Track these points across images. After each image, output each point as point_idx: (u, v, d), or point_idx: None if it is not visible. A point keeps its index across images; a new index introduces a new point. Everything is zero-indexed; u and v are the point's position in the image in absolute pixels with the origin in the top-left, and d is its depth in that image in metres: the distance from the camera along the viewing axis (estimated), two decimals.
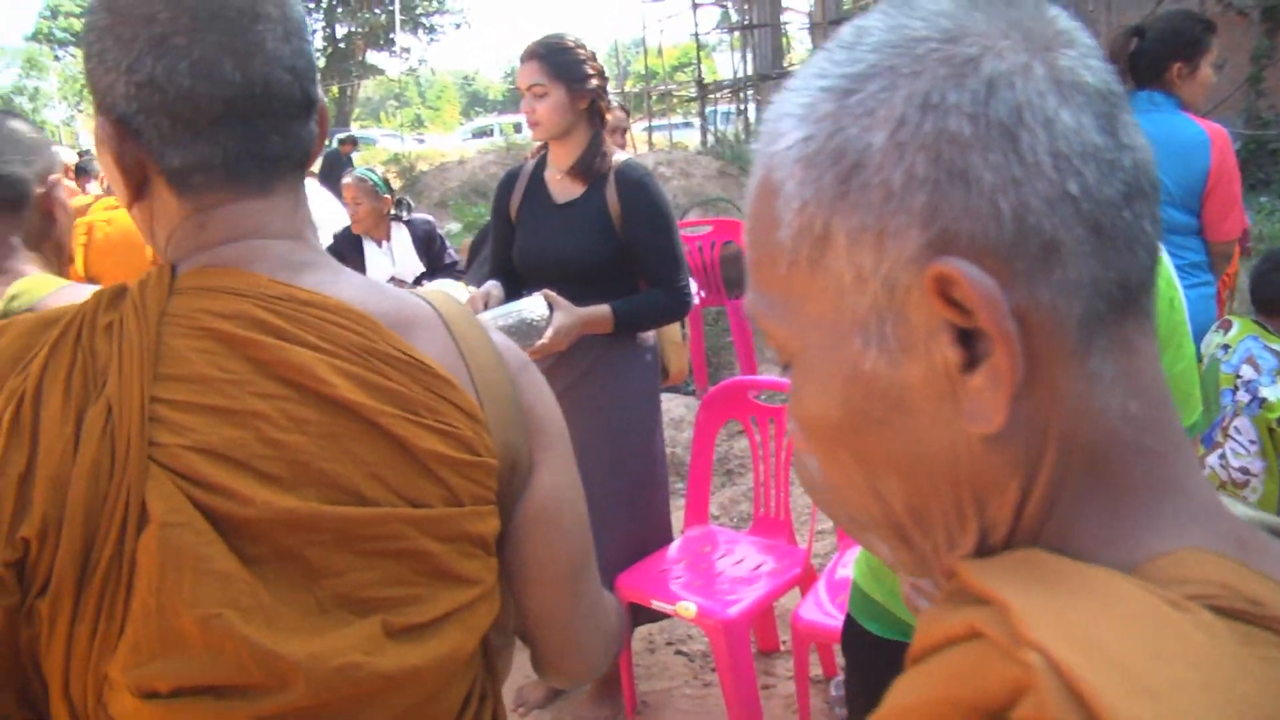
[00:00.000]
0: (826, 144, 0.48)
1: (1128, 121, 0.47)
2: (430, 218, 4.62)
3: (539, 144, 2.79)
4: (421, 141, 29.14)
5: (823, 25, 17.54)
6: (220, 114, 0.84)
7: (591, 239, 2.59)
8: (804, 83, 0.50)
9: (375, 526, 0.82)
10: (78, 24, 55.28)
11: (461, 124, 44.54)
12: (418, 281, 4.27)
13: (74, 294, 1.41)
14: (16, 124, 1.60)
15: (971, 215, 0.45)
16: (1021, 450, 0.47)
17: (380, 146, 24.81)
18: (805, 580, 2.71)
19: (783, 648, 3.11)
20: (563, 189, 2.67)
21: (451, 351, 0.91)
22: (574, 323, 2.40)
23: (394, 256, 4.32)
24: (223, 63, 0.83)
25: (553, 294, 2.41)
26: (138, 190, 0.88)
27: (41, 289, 1.47)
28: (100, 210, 4.53)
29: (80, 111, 48.59)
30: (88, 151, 18.49)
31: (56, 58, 53.68)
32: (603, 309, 2.50)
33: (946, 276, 0.44)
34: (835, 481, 0.53)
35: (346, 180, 4.26)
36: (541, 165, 2.75)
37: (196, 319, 0.82)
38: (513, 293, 2.64)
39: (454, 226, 12.11)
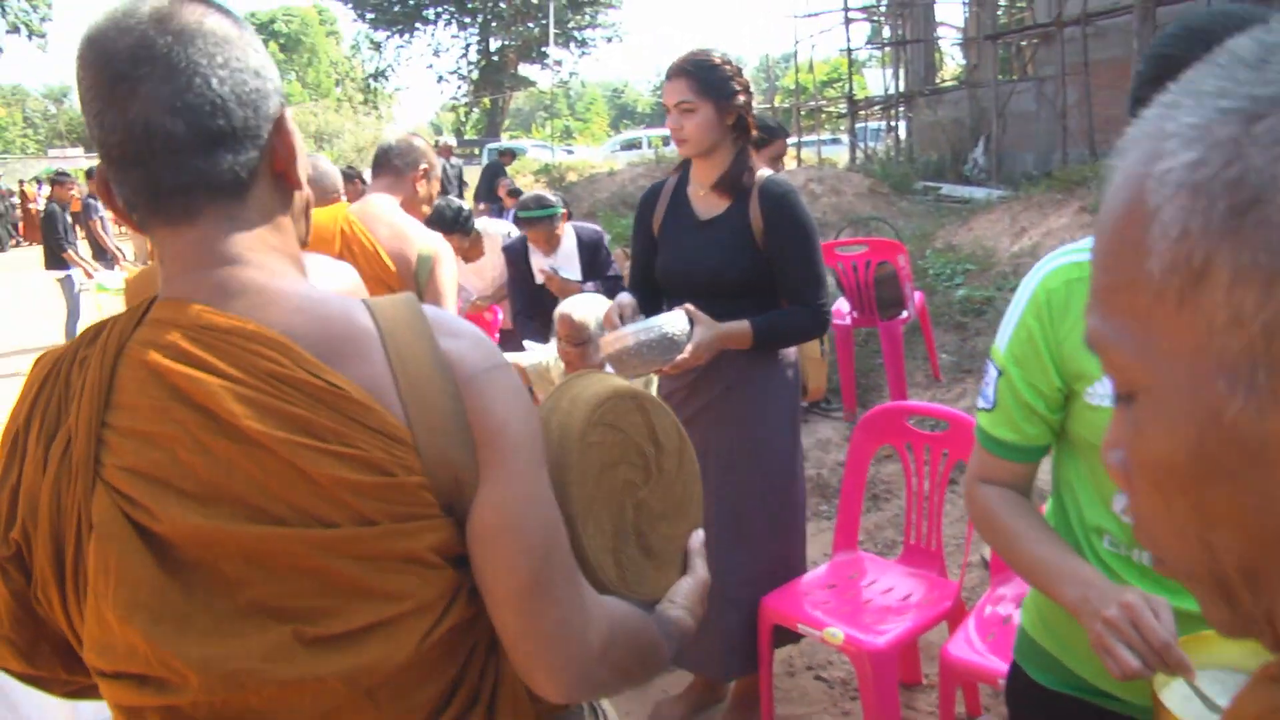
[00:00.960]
0: (1223, 171, 0.43)
1: None
2: (599, 229, 4.70)
3: (681, 159, 2.79)
4: (570, 153, 29.60)
5: (976, 40, 17.11)
6: (118, 157, 0.93)
7: (734, 255, 2.57)
8: (1195, 100, 0.45)
9: (278, 544, 0.88)
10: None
11: (610, 136, 45.09)
12: (580, 284, 4.37)
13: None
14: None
15: None
16: None
17: (530, 157, 25.30)
18: (954, 615, 2.63)
19: (925, 681, 3.02)
20: (706, 205, 2.65)
21: (381, 373, 0.94)
22: (713, 338, 2.39)
23: (559, 262, 4.45)
24: (106, 113, 0.92)
25: (693, 309, 2.40)
26: (136, 227, 0.99)
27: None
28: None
29: None
30: None
31: None
32: (742, 325, 2.48)
33: None
34: (1158, 526, 0.48)
35: (533, 227, 4.42)
36: (684, 181, 2.74)
37: (140, 351, 0.91)
38: (649, 307, 2.65)
39: (604, 236, 12.31)
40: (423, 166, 3.09)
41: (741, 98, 2.56)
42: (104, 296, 9.53)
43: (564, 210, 4.54)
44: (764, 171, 2.65)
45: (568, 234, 4.52)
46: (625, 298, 2.64)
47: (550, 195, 4.59)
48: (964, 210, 10.22)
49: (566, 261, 4.45)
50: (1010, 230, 7.52)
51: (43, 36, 29.82)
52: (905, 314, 5.08)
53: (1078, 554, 1.34)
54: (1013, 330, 1.39)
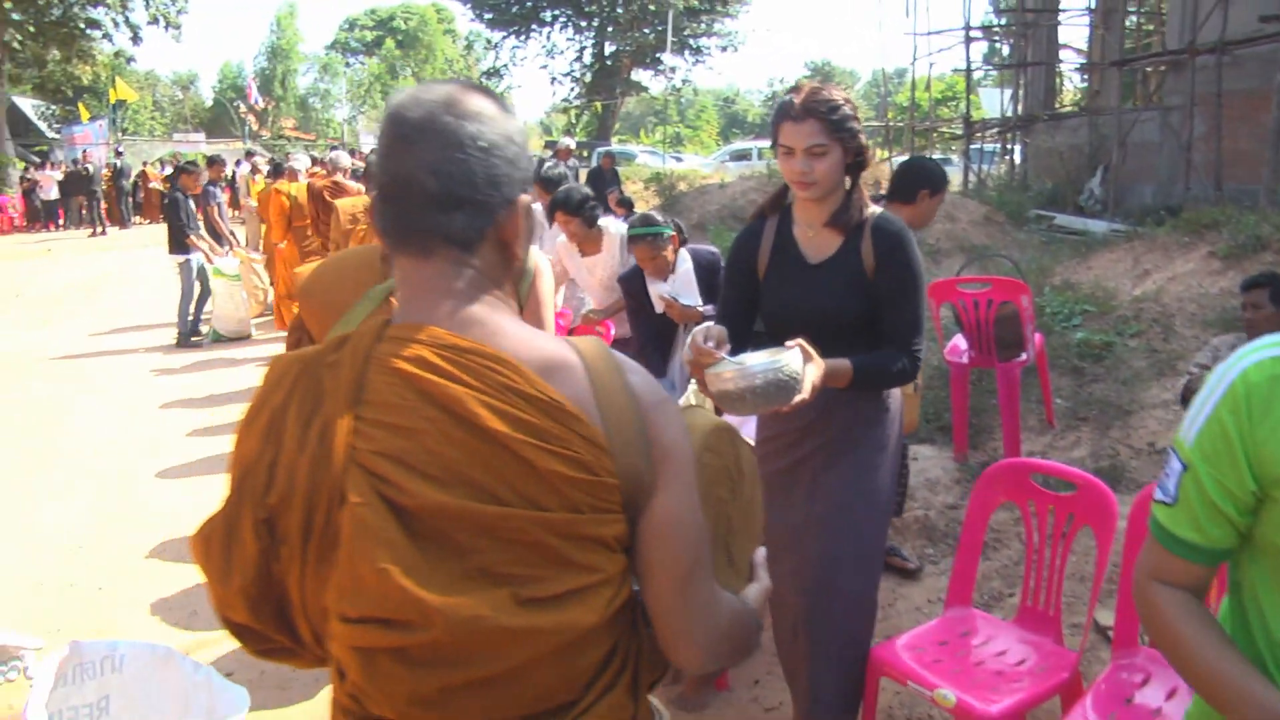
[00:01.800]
0: None
1: None
2: (714, 250, 4.65)
3: (775, 202, 2.73)
4: (679, 160, 29.68)
5: (1100, 65, 16.64)
6: (383, 194, 1.21)
7: (847, 298, 2.55)
8: None
9: (506, 521, 1.10)
10: (370, 35, 60.18)
11: (719, 145, 45.01)
12: (700, 309, 4.33)
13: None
14: None
15: None
16: None
17: (639, 163, 25.43)
18: (1070, 687, 2.57)
19: None
20: (815, 247, 2.62)
21: (585, 393, 1.16)
22: (823, 376, 2.36)
23: (676, 287, 4.41)
24: (385, 160, 1.20)
25: (806, 346, 2.34)
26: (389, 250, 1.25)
27: None
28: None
29: (361, 113, 52.35)
30: (362, 155, 19.72)
31: (347, 64, 58.34)
32: (844, 364, 2.45)
33: None
34: None
35: (635, 245, 4.41)
36: (786, 221, 2.69)
37: (389, 361, 1.14)
38: (736, 346, 2.50)
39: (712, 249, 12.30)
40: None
41: (862, 136, 2.55)
42: (219, 281, 9.90)
43: (674, 233, 4.48)
44: (874, 208, 2.63)
45: (683, 258, 4.47)
46: (715, 327, 2.47)
47: (660, 215, 4.53)
48: (1080, 244, 9.97)
49: (685, 287, 4.40)
50: (1133, 271, 7.30)
51: (178, 28, 31.05)
52: (1024, 356, 4.96)
53: (1260, 672, 1.26)
54: (1203, 422, 1.29)
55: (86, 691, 2.23)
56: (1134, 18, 19.14)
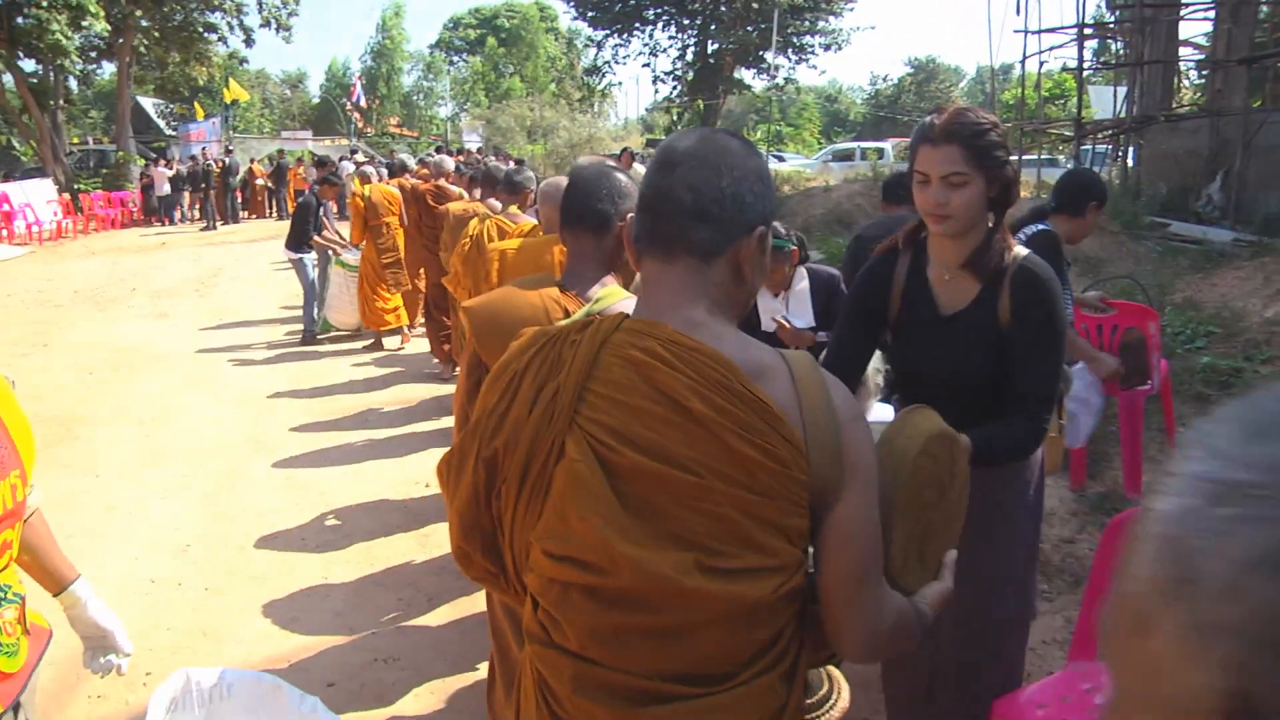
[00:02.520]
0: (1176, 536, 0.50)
1: None
2: (835, 271, 4.47)
3: (909, 236, 2.49)
4: (781, 159, 29.39)
5: (1226, 62, 15.91)
6: (643, 205, 1.42)
7: (979, 355, 2.31)
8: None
9: (702, 492, 1.26)
10: (473, 34, 61.10)
11: (820, 144, 44.51)
12: (814, 332, 4.19)
13: (629, 303, 2.19)
14: (617, 174, 2.42)
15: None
16: None
17: None
18: None
19: None
20: (951, 293, 2.38)
21: (790, 398, 1.32)
22: None
23: (788, 305, 4.28)
24: (653, 177, 1.41)
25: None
26: (635, 263, 1.46)
27: (616, 296, 2.25)
28: (494, 230, 5.00)
29: (464, 110, 53.14)
30: (467, 154, 19.86)
31: (451, 63, 59.30)
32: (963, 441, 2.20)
33: None
34: None
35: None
36: (919, 259, 2.45)
37: (623, 348, 1.33)
38: (848, 385, 2.44)
39: (815, 255, 12.11)
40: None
41: (1010, 168, 2.28)
42: (338, 271, 10.10)
43: (795, 248, 4.33)
44: (1020, 250, 2.35)
45: (800, 276, 4.31)
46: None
47: (783, 228, 4.36)
48: (1201, 256, 9.53)
49: (799, 307, 4.25)
50: (1263, 291, 6.91)
51: (289, 30, 31.90)
52: (1149, 385, 4.73)
53: None
54: None
55: (196, 717, 2.25)
56: (1266, 8, 18.25)
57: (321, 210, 10.32)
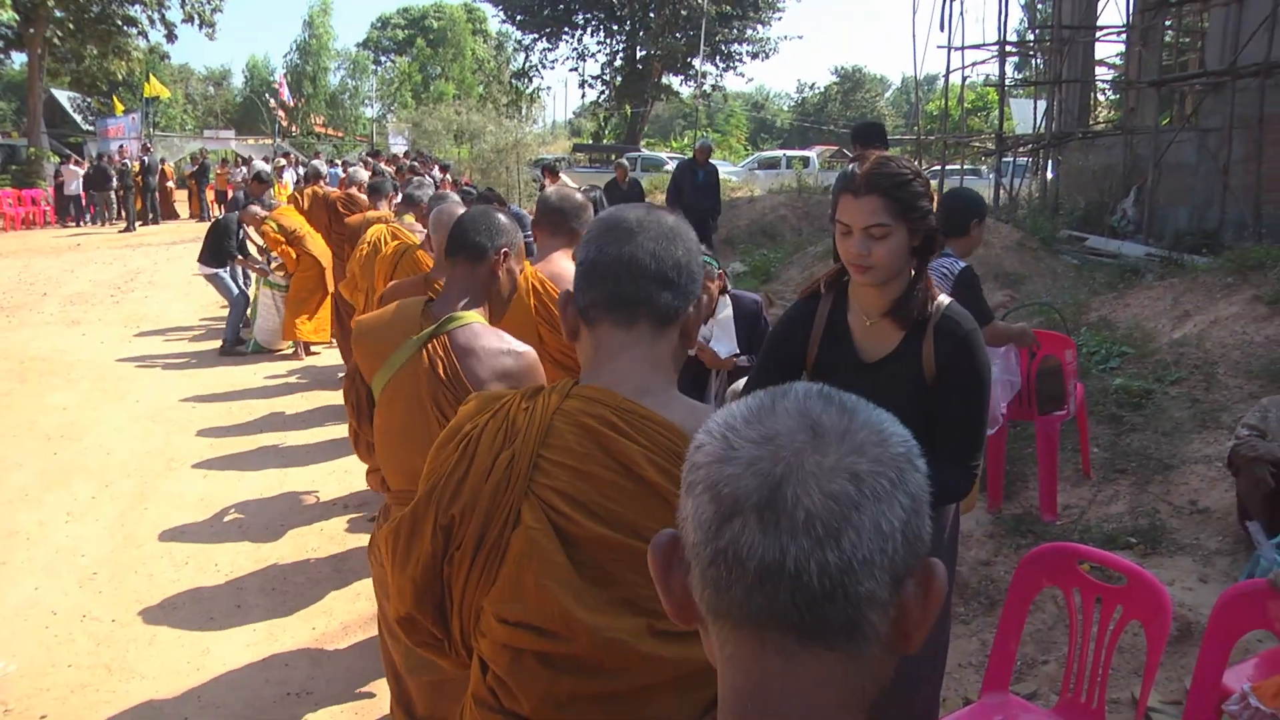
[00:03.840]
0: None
1: None
2: (758, 298, 4.49)
3: (829, 282, 2.47)
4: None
5: (1138, 84, 16.38)
6: (599, 271, 1.44)
7: (907, 410, 2.30)
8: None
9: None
10: (401, 34, 60.33)
11: (748, 151, 44.80)
12: (736, 357, 4.20)
13: (483, 332, 2.44)
14: (498, 215, 2.61)
15: None
16: None
17: (667, 170, 25.28)
18: None
19: None
20: (872, 340, 2.36)
21: None
22: None
23: (714, 333, 4.29)
24: (606, 245, 1.45)
25: None
26: (573, 333, 1.49)
27: (468, 318, 2.46)
28: (383, 230, 5.18)
29: (391, 111, 52.45)
30: (395, 160, 19.68)
31: (378, 62, 58.56)
32: None
33: None
34: None
35: None
36: (841, 307, 2.42)
37: (576, 416, 1.37)
38: None
39: (738, 266, 12.16)
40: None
41: (932, 218, 2.27)
42: (266, 291, 9.85)
43: (720, 270, 4.33)
44: (942, 299, 2.36)
45: (724, 304, 4.32)
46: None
47: (708, 250, 4.36)
48: (1116, 274, 9.78)
49: (723, 332, 4.26)
50: (1172, 312, 7.11)
51: (212, 25, 31.14)
52: (1065, 411, 4.83)
53: None
54: None
55: None
56: (1171, 33, 18.84)
57: (242, 232, 10.09)
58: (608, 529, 1.31)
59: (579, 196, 3.48)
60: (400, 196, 6.91)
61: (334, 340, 9.11)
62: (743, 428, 0.75)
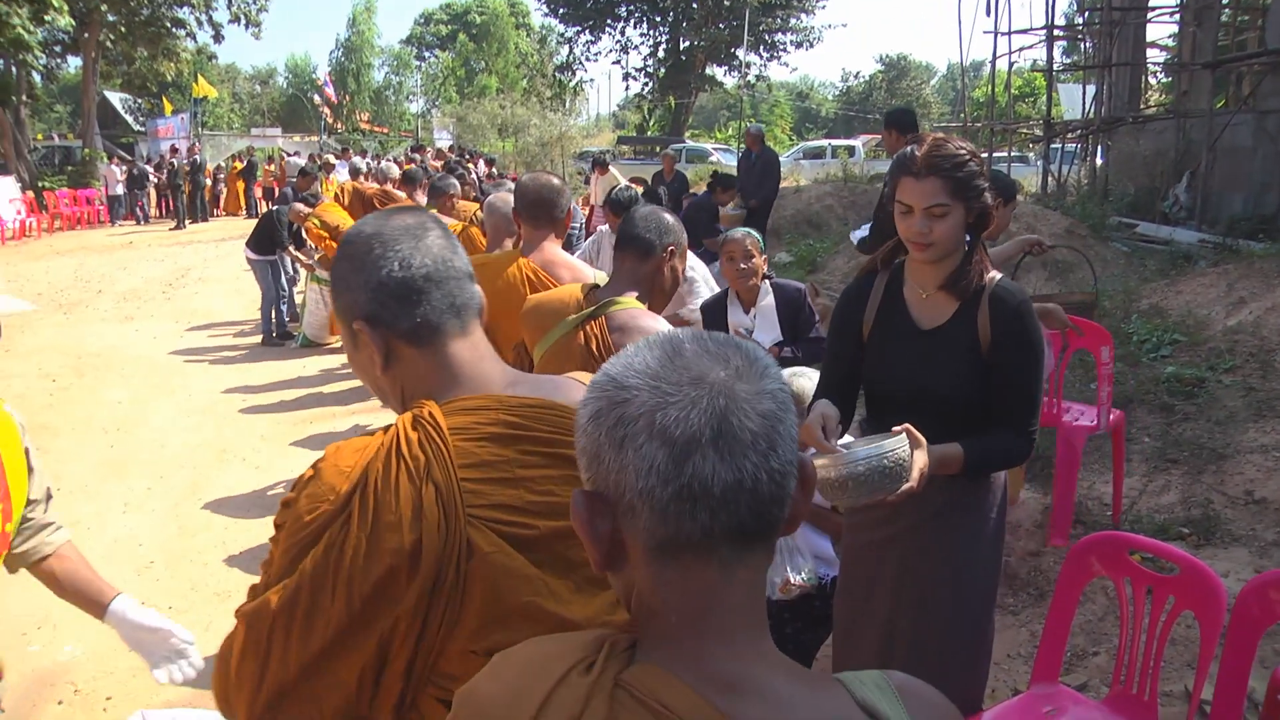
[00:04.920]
0: None
1: None
2: (801, 286, 4.48)
3: (888, 257, 2.56)
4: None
5: (1191, 65, 16.05)
6: (425, 278, 1.39)
7: (962, 375, 2.37)
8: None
9: None
10: (444, 29, 60.71)
11: (793, 141, 44.57)
12: (779, 347, 4.20)
13: (641, 315, 2.62)
14: (665, 215, 2.78)
15: None
16: None
17: (713, 161, 25.23)
18: None
19: None
20: (927, 312, 2.45)
21: None
22: (931, 464, 2.21)
23: (756, 321, 4.30)
24: (413, 252, 1.40)
25: (915, 431, 2.20)
26: (385, 361, 1.40)
27: (628, 304, 2.65)
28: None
29: (435, 107, 52.86)
30: (442, 155, 19.84)
31: (421, 58, 58.98)
32: (954, 450, 2.29)
33: None
34: None
35: (735, 235, 4.30)
36: (897, 280, 2.52)
37: (474, 429, 1.31)
38: (844, 416, 2.46)
39: (784, 257, 12.11)
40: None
41: (987, 195, 2.35)
42: (315, 286, 9.97)
43: (765, 254, 4.35)
44: (994, 274, 2.43)
45: (765, 291, 4.33)
46: (829, 409, 2.35)
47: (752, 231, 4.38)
48: (1168, 260, 9.61)
49: (765, 321, 4.25)
50: (1226, 299, 6.97)
51: (258, 25, 31.60)
52: (1094, 423, 4.50)
53: None
54: None
55: None
56: (1229, 12, 18.42)
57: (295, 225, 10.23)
58: (558, 519, 1.27)
59: (556, 181, 3.58)
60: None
61: None
62: (669, 375, 0.85)
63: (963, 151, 2.32)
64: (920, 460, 2.19)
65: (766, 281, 4.35)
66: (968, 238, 2.41)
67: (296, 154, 27.50)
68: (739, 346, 0.91)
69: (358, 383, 8.59)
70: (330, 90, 44.29)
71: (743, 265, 4.23)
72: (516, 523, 1.26)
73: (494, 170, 18.15)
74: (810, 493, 0.93)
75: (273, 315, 10.19)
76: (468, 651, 1.26)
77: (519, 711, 0.87)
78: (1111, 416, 4.58)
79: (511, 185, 5.08)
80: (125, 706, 3.69)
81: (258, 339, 10.38)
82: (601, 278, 3.10)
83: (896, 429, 2.20)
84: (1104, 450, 5.04)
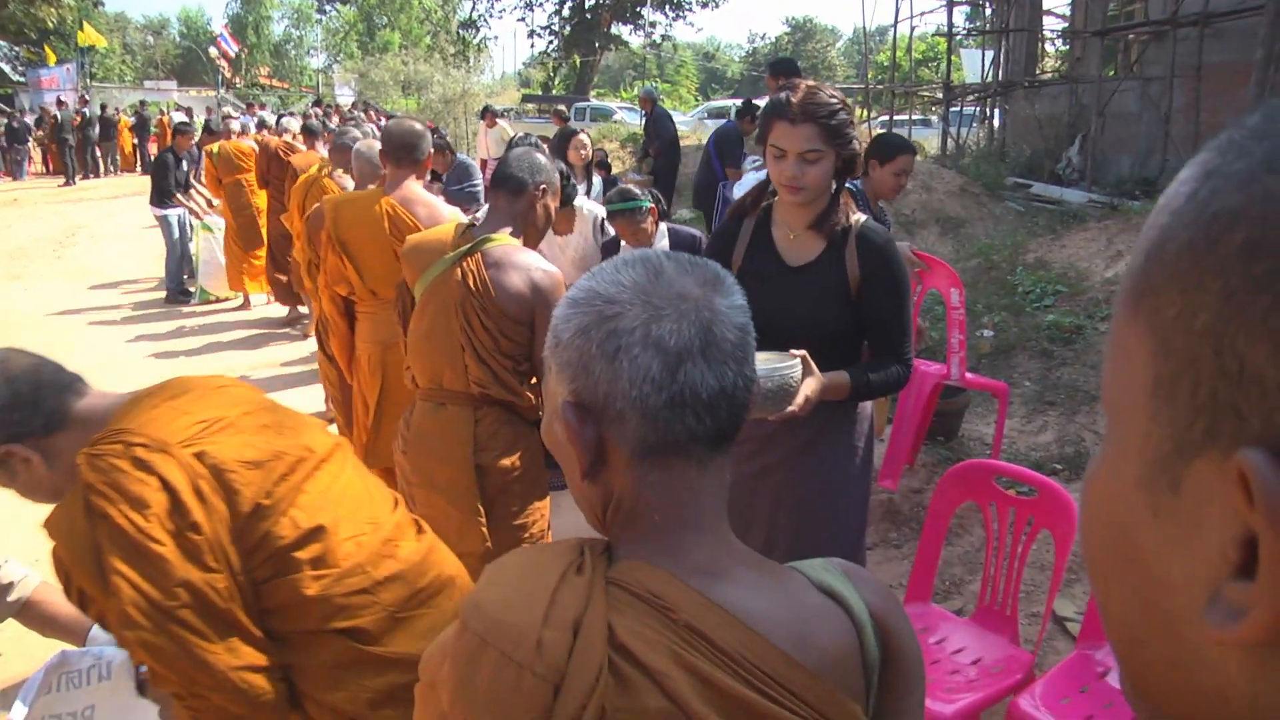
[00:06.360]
0: None
1: None
2: (696, 232, 4.56)
3: (755, 200, 2.66)
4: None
5: (1083, 33, 16.55)
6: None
7: (831, 307, 2.48)
8: None
9: None
10: None
11: (698, 101, 44.62)
12: None
13: (516, 251, 2.78)
14: (538, 155, 2.92)
15: None
16: None
17: (617, 120, 25.14)
18: (1024, 686, 2.62)
19: None
20: (795, 250, 2.54)
21: None
22: (819, 390, 2.30)
23: None
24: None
25: (807, 357, 2.29)
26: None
27: (502, 241, 2.79)
28: (327, 180, 5.27)
29: (337, 62, 51.53)
30: (339, 111, 19.43)
31: (322, 11, 57.33)
32: (842, 377, 2.40)
33: None
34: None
35: (614, 221, 4.37)
36: (765, 221, 2.62)
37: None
38: None
39: (685, 214, 12.19)
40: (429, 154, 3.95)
41: (856, 143, 2.46)
42: (206, 237, 9.76)
43: (652, 205, 4.41)
44: (859, 216, 2.55)
45: (661, 234, 4.40)
46: None
47: (637, 189, 4.44)
48: (1056, 218, 9.98)
49: None
50: (1106, 252, 7.29)
51: None
52: (945, 369, 4.47)
53: None
54: None
55: (73, 700, 2.23)
56: None
57: (184, 164, 9.94)
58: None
59: (419, 126, 3.93)
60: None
61: (270, 289, 9.15)
62: (657, 289, 0.94)
63: (835, 100, 2.42)
64: (809, 386, 2.28)
65: (663, 225, 4.43)
66: (834, 183, 2.52)
67: (209, 109, 26.53)
68: (706, 265, 1.01)
69: (252, 334, 8.47)
70: (226, 43, 42.79)
71: (636, 236, 4.33)
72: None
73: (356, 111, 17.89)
74: (755, 401, 1.04)
75: (179, 272, 9.90)
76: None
77: (530, 612, 0.91)
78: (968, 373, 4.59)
79: (366, 125, 5.29)
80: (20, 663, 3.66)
81: (156, 295, 10.12)
82: (461, 216, 3.28)
83: (795, 352, 2.29)
84: (987, 396, 5.27)
